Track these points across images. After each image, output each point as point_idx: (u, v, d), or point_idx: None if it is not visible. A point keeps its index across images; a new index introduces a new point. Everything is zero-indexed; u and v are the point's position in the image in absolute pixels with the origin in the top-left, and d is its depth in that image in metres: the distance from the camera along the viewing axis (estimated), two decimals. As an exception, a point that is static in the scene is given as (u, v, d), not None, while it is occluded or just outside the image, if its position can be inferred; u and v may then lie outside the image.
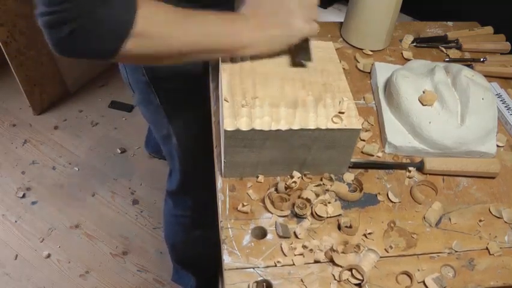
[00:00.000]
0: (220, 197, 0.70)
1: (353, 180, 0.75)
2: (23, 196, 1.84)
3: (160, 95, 0.97)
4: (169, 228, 1.37)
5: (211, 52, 0.71)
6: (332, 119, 0.67)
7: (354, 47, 1.02)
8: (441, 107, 0.79)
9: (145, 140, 2.00)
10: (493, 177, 0.78)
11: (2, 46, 1.79)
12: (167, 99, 0.98)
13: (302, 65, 0.73)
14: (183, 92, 0.95)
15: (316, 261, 0.64)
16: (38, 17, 0.56)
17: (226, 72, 0.72)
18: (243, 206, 0.68)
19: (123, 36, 0.59)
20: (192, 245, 1.35)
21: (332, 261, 0.63)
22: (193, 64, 0.89)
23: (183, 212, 1.26)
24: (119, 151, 2.01)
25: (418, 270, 0.64)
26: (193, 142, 1.06)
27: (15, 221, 1.76)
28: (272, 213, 0.68)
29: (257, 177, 0.73)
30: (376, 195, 0.73)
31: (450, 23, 1.12)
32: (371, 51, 1.00)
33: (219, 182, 0.72)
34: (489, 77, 0.96)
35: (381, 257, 0.65)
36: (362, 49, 1.01)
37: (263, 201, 0.69)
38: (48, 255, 1.67)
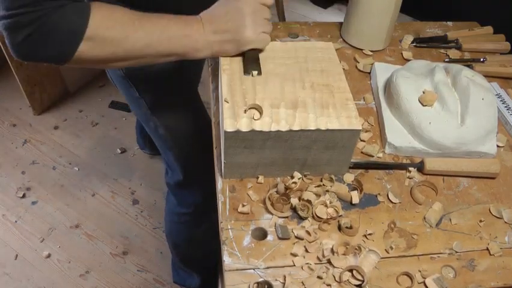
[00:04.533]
0: (220, 198, 0.70)
1: (353, 181, 0.75)
2: (23, 196, 1.83)
3: (138, 88, 1.00)
4: (171, 227, 1.36)
5: (167, 56, 0.72)
6: (332, 119, 0.67)
7: (354, 47, 1.02)
8: (442, 107, 0.79)
9: (136, 140, 1.99)
10: (493, 178, 0.78)
11: (2, 46, 1.78)
12: (145, 91, 1.01)
13: (252, 75, 0.72)
14: (159, 81, 0.99)
15: (316, 262, 0.64)
16: None
17: (226, 73, 0.72)
18: (243, 206, 0.68)
19: (76, 39, 0.62)
20: (195, 242, 1.35)
21: (332, 262, 0.63)
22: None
23: (186, 209, 1.26)
24: (119, 151, 2.01)
25: (419, 270, 0.64)
26: (181, 130, 1.09)
27: (15, 221, 1.76)
28: (272, 214, 0.68)
29: (257, 178, 0.73)
30: (376, 196, 0.73)
31: (450, 23, 1.12)
32: (371, 51, 1.00)
33: (219, 182, 0.72)
34: (489, 77, 0.95)
35: (381, 258, 0.65)
36: (361, 49, 1.01)
37: (263, 202, 0.69)
38: (49, 255, 1.66)
